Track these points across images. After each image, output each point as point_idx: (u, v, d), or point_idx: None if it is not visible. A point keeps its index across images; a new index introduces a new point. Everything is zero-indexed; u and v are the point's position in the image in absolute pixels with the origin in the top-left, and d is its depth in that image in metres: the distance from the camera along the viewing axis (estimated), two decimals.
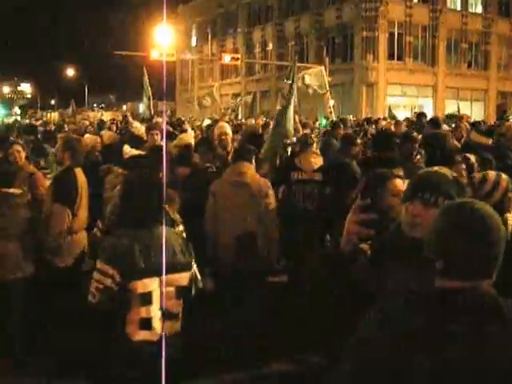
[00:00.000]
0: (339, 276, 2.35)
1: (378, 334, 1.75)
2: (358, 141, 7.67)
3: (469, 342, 1.66)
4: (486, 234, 1.75)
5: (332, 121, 13.16)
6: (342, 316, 2.48)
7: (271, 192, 5.56)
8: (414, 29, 38.93)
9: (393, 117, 17.65)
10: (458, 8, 41.00)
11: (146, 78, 16.13)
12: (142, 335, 3.25)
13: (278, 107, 10.21)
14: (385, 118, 17.61)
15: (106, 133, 9.48)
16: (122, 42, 49.55)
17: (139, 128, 9.96)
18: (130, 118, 13.22)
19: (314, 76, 13.09)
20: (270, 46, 45.30)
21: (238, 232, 5.38)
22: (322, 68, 13.42)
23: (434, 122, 9.55)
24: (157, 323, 3.26)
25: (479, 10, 41.87)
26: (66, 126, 15.20)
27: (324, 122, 14.69)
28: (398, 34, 38.39)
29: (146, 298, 3.25)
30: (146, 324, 3.25)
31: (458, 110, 18.33)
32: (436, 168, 2.61)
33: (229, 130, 7.54)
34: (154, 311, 3.26)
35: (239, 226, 5.40)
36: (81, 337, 3.96)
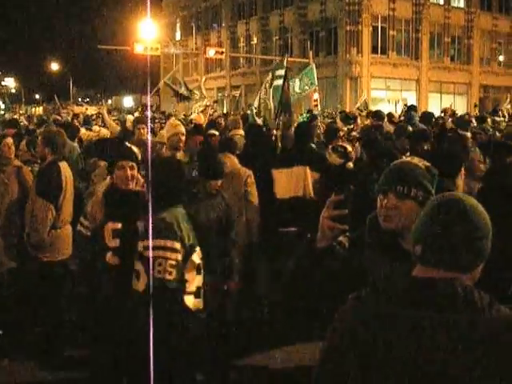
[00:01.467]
0: (316, 269, 2.34)
1: (352, 322, 1.75)
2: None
3: (438, 331, 1.65)
4: (469, 227, 1.73)
5: (311, 114, 13.39)
6: (322, 307, 2.48)
7: (250, 180, 5.70)
8: (398, 23, 39.26)
9: (362, 110, 17.53)
10: (441, 2, 41.39)
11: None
12: (197, 303, 3.62)
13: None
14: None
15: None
16: (106, 35, 49.30)
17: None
18: (106, 116, 12.92)
19: (305, 76, 12.98)
20: (255, 40, 45.40)
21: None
22: (313, 66, 13.32)
23: (426, 117, 9.85)
24: (202, 292, 3.68)
25: (462, 4, 42.25)
26: (49, 120, 15.05)
27: (304, 115, 14.78)
28: (382, 27, 38.65)
29: (200, 268, 3.64)
30: (198, 293, 3.63)
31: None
32: (408, 159, 2.63)
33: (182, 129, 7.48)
34: (202, 280, 3.67)
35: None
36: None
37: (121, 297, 3.69)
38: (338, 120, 11.63)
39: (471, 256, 1.74)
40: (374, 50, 38.52)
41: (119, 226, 3.80)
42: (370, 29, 38.08)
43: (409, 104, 17.95)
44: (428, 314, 1.67)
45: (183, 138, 6.48)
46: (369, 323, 1.72)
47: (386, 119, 10.21)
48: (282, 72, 8.70)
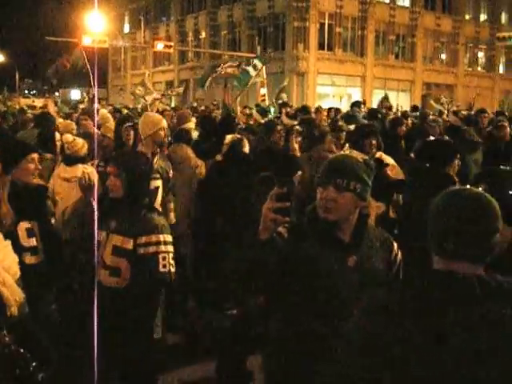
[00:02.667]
0: (259, 261, 2.41)
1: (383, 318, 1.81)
2: None
3: (468, 325, 1.71)
4: (484, 219, 1.83)
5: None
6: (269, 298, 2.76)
7: (199, 170, 6.22)
8: (344, 20, 40.37)
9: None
10: (387, 1, 42.51)
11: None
12: None
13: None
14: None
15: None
16: (54, 27, 49.20)
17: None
18: (51, 108, 12.68)
19: (258, 61, 13.75)
20: (203, 35, 46.00)
21: (185, 201, 6.13)
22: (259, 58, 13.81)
23: (372, 113, 10.55)
24: None
25: (407, 3, 43.57)
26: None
27: (272, 109, 15.07)
28: (329, 24, 39.74)
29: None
30: None
31: (386, 98, 18.95)
32: (347, 152, 2.93)
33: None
34: None
35: (184, 196, 6.15)
36: None
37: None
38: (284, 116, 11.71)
39: (491, 249, 1.85)
40: (321, 46, 39.54)
41: (31, 225, 3.71)
42: (318, 25, 39.05)
43: (353, 100, 18.30)
44: (457, 308, 1.73)
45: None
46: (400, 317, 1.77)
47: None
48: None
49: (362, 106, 14.43)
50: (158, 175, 5.42)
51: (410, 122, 11.15)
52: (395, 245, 2.85)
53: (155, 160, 5.45)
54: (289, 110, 13.04)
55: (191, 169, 6.23)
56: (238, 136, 6.35)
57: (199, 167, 6.30)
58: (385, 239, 2.83)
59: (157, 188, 5.33)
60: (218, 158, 6.19)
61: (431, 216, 1.89)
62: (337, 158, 2.73)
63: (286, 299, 2.62)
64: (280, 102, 15.39)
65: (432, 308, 1.73)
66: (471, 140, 7.22)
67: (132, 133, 6.09)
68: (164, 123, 5.79)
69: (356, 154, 2.93)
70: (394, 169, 5.59)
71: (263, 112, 11.60)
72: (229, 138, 6.15)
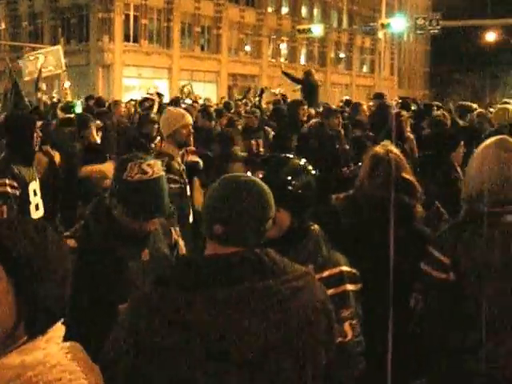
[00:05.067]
0: None
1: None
2: None
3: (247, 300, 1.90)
4: (254, 207, 2.03)
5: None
6: None
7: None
8: (150, 12, 43.77)
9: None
10: None
11: None
12: None
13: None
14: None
15: None
16: None
17: None
18: None
19: (51, 56, 13.75)
20: (3, 26, 45.82)
21: None
22: (59, 46, 14.26)
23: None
24: None
25: None
26: None
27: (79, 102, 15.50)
28: (134, 16, 42.81)
29: None
30: None
31: (188, 90, 19.97)
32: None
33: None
34: None
35: None
36: None
37: None
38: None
39: (262, 234, 2.07)
40: (127, 38, 42.22)
41: None
42: (123, 17, 41.69)
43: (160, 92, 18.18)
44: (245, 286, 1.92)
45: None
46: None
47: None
48: None
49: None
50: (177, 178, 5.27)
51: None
52: (173, 231, 3.31)
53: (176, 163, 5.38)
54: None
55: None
56: None
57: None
58: (166, 227, 3.25)
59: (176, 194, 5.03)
60: None
61: (205, 204, 2.09)
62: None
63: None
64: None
65: (202, 284, 1.91)
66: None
67: None
68: (190, 120, 5.59)
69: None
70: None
71: (67, 108, 11.02)
72: None
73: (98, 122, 7.66)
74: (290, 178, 2.68)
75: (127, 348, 1.92)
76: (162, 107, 11.35)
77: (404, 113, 8.08)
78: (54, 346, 1.65)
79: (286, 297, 1.96)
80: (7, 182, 4.64)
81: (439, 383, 3.07)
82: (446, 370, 2.98)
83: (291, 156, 2.95)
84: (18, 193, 4.68)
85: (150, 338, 1.89)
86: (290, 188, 2.65)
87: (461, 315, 2.96)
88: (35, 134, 5.03)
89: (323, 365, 2.09)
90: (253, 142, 8.83)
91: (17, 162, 4.82)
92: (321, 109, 10.72)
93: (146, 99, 12.28)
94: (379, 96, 11.34)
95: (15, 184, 4.67)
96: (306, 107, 8.55)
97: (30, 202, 4.81)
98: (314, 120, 8.03)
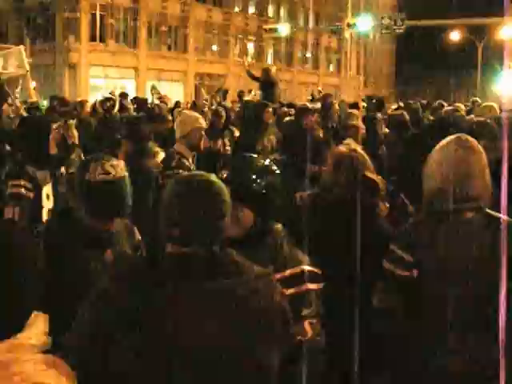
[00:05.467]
0: None
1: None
2: None
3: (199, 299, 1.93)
4: (209, 207, 2.03)
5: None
6: None
7: None
8: (116, 11, 43.42)
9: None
10: None
11: None
12: None
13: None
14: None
15: None
16: None
17: None
18: None
19: (12, 57, 13.49)
20: None
21: None
22: (21, 47, 14.01)
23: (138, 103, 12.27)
24: None
25: None
26: None
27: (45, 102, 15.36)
28: (101, 15, 42.40)
29: None
30: None
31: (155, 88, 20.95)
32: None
33: None
34: None
35: None
36: None
37: None
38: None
39: (219, 232, 2.06)
40: (93, 37, 41.83)
41: None
42: (89, 16, 41.34)
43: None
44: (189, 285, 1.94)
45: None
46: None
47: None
48: None
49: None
50: None
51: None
52: (136, 231, 3.36)
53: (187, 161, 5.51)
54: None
55: None
56: None
57: None
58: (129, 228, 3.32)
59: None
60: None
61: (161, 206, 2.08)
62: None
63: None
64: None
65: (157, 282, 1.93)
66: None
67: None
68: (202, 123, 5.77)
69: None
70: None
71: (32, 109, 11.02)
72: None
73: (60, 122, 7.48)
74: (253, 177, 2.69)
75: (87, 340, 1.95)
76: (126, 107, 11.58)
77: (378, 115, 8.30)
78: None
79: (241, 297, 1.98)
80: (22, 183, 4.59)
81: (401, 378, 3.09)
82: (408, 365, 2.99)
83: (256, 156, 2.96)
84: (31, 195, 4.62)
85: (106, 331, 1.90)
86: (253, 188, 2.66)
87: (423, 312, 2.97)
88: (51, 136, 5.00)
89: (279, 365, 2.10)
90: (219, 141, 8.90)
91: (32, 165, 4.76)
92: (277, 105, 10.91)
93: (107, 99, 12.16)
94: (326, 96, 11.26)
95: (29, 186, 4.62)
96: (271, 109, 8.54)
97: (42, 206, 4.74)
98: (287, 118, 8.13)
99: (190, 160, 5.62)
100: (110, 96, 13.02)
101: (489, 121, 5.44)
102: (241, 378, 1.98)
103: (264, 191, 2.69)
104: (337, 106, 10.22)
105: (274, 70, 14.20)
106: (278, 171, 2.83)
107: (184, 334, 1.89)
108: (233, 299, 1.97)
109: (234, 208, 2.45)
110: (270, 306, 2.05)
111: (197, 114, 6.08)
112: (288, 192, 3.89)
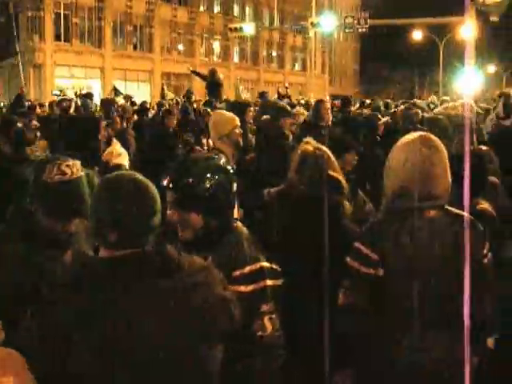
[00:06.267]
0: None
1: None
2: None
3: (145, 297, 1.94)
4: (140, 206, 2.03)
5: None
6: None
7: None
8: (81, 10, 43.12)
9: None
10: None
11: None
12: None
13: None
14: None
15: None
16: None
17: None
18: None
19: None
20: None
21: None
22: None
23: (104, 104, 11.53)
24: None
25: None
26: None
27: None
28: (65, 14, 42.04)
29: None
30: None
31: (116, 90, 20.53)
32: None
33: None
34: None
35: None
36: None
37: None
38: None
39: (153, 229, 2.07)
40: (58, 37, 41.56)
41: None
42: (53, 15, 41.00)
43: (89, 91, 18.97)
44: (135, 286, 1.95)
45: None
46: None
47: None
48: None
49: None
50: None
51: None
52: None
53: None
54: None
55: None
56: None
57: None
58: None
59: None
60: None
61: (90, 212, 2.09)
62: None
63: None
64: None
65: (94, 286, 1.94)
66: None
67: None
68: (238, 121, 5.85)
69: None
70: None
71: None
72: None
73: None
74: (195, 180, 2.64)
75: (43, 340, 1.95)
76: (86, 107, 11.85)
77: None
78: None
79: (180, 294, 2.00)
80: None
81: (365, 376, 3.09)
82: (371, 359, 3.00)
83: (203, 156, 2.95)
84: None
85: (65, 332, 1.92)
86: (196, 191, 2.62)
87: (388, 310, 2.97)
88: (99, 135, 4.94)
89: (222, 359, 2.14)
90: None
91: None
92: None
93: (63, 100, 12.13)
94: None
95: None
96: (252, 109, 8.68)
97: None
98: (264, 117, 8.07)
99: (230, 158, 5.60)
100: (66, 97, 13.00)
101: (440, 117, 5.46)
102: (181, 376, 2.00)
103: (209, 193, 2.63)
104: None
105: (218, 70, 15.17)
106: (231, 170, 2.79)
107: (124, 334, 1.90)
108: (171, 297, 1.98)
109: (181, 213, 2.61)
110: (210, 299, 2.07)
111: (231, 113, 6.15)
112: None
